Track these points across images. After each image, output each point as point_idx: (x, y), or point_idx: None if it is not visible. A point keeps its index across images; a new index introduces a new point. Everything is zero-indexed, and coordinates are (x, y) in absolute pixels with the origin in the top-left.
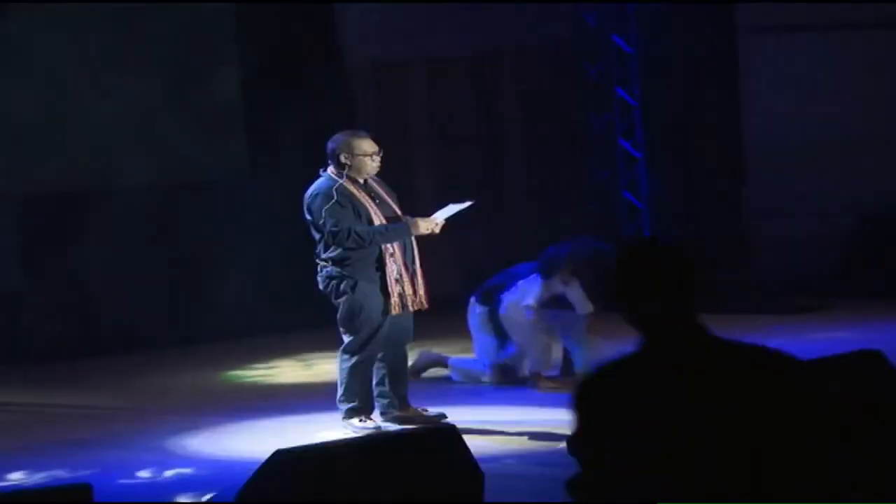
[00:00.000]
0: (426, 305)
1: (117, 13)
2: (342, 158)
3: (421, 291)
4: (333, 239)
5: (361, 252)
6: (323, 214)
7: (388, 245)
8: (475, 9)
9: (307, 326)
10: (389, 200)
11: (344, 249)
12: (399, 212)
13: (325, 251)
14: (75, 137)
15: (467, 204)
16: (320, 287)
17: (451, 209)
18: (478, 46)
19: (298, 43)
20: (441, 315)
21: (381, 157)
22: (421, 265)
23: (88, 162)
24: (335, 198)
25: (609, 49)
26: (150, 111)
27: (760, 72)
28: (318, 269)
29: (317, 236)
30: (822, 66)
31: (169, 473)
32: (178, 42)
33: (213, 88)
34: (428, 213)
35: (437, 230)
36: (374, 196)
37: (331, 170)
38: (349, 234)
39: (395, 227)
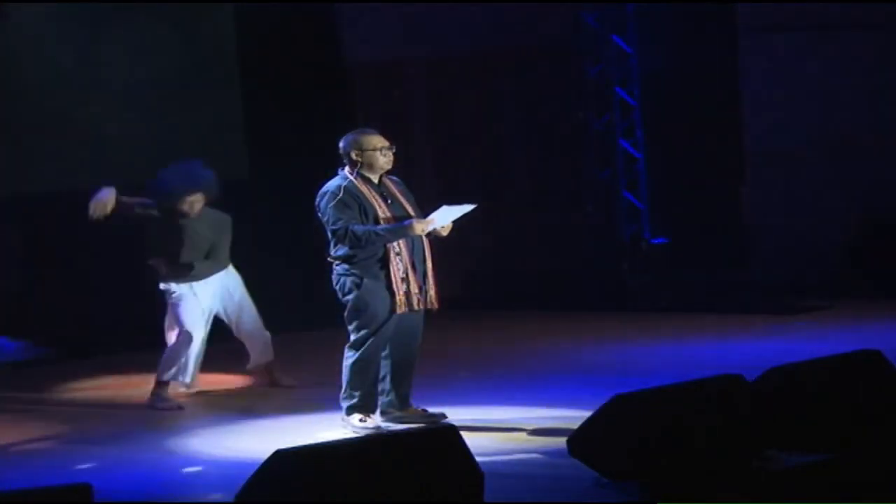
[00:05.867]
0: (436, 305)
1: (117, 13)
2: (353, 156)
3: (431, 292)
4: (334, 237)
5: (368, 250)
6: (328, 212)
7: (395, 244)
8: (475, 8)
9: (309, 326)
10: (403, 201)
11: (350, 248)
12: (412, 213)
13: (334, 250)
14: (75, 137)
15: (469, 207)
16: (333, 285)
17: (448, 210)
18: (478, 46)
19: (298, 42)
20: (441, 316)
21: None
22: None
23: (88, 162)
24: (340, 196)
25: (609, 49)
26: (150, 111)
27: (760, 72)
28: (333, 267)
29: (328, 234)
30: (822, 66)
31: (169, 473)
32: (178, 42)
33: (214, 88)
34: (426, 214)
35: (443, 233)
36: (385, 196)
37: (347, 169)
38: (346, 232)
39: (393, 228)
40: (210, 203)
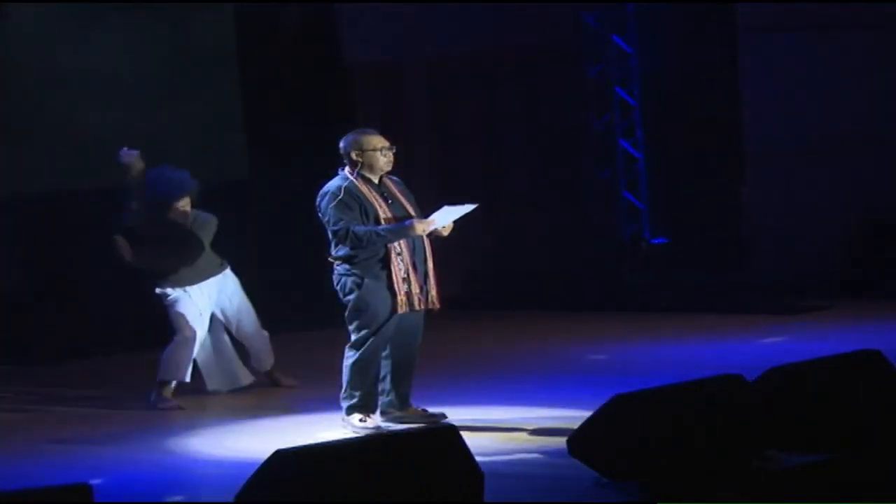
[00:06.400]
0: (437, 305)
1: (117, 13)
2: (353, 156)
3: (432, 291)
4: (335, 237)
5: (369, 251)
6: (329, 213)
7: (396, 244)
8: (475, 9)
9: (309, 326)
10: (404, 201)
11: (351, 248)
12: (412, 213)
13: (335, 250)
14: (75, 137)
15: (470, 207)
16: (334, 285)
17: (449, 211)
18: (478, 46)
19: (298, 43)
20: (441, 316)
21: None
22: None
23: (88, 162)
24: (341, 196)
25: (609, 49)
26: (150, 111)
27: (760, 72)
28: (333, 267)
29: (329, 235)
30: (822, 66)
31: (169, 473)
32: (178, 42)
33: (214, 88)
34: (427, 214)
35: (444, 233)
36: (386, 196)
37: (347, 170)
38: (347, 233)
39: (394, 228)
40: (194, 204)
